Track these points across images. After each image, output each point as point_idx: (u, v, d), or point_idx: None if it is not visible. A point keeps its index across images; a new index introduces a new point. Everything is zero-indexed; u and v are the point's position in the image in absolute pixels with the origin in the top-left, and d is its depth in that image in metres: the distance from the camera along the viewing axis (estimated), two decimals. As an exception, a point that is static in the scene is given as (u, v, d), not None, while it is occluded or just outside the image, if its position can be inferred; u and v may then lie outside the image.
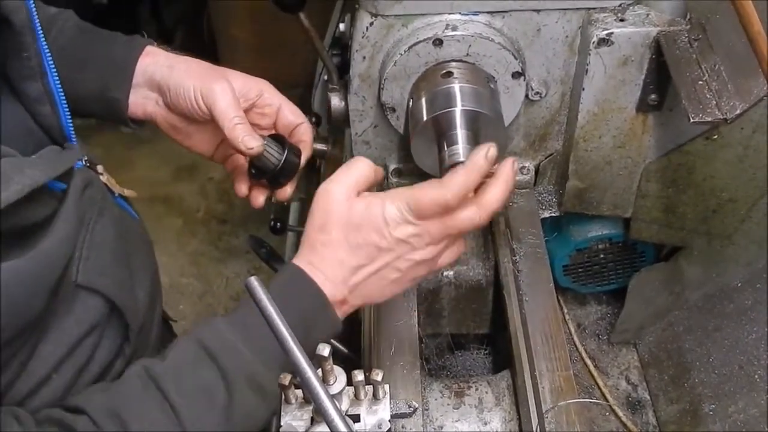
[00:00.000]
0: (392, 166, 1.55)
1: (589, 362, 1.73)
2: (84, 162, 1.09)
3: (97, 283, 1.05)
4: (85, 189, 1.05)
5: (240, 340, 1.00)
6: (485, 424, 1.33)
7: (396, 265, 1.08)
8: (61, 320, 1.01)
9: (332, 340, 1.59)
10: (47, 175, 0.92)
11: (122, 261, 1.12)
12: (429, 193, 1.05)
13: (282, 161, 1.25)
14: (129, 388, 0.97)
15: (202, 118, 1.21)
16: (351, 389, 1.07)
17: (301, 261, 1.07)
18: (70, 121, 1.06)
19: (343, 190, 1.07)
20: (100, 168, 1.15)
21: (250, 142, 1.19)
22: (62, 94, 1.03)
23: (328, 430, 0.83)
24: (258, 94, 1.28)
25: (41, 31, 0.98)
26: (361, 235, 1.06)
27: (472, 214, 1.07)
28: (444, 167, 1.27)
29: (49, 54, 1.00)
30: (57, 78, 1.02)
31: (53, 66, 1.01)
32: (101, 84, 1.22)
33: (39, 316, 0.94)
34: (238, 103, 1.21)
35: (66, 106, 1.04)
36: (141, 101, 1.25)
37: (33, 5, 0.96)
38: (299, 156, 1.29)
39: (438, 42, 1.30)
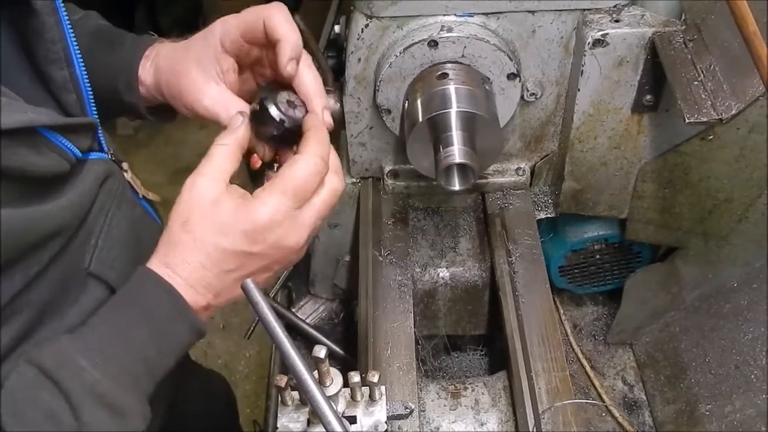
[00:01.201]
0: (388, 168, 1.55)
1: (585, 363, 1.73)
2: (110, 156, 1.09)
3: (106, 275, 1.04)
4: (107, 179, 1.05)
5: (83, 357, 0.90)
6: (482, 425, 1.33)
7: (270, 267, 1.03)
8: (66, 308, 1.00)
9: (328, 342, 1.60)
10: (51, 119, 0.90)
11: (133, 258, 1.10)
12: (300, 168, 1.01)
13: (276, 131, 1.10)
14: None
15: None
16: (347, 391, 1.07)
17: (155, 263, 0.99)
18: (95, 109, 1.06)
19: (212, 186, 1.00)
20: (125, 165, 1.15)
21: (234, 122, 1.07)
22: (88, 83, 1.03)
23: (324, 431, 0.83)
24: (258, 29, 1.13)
25: (66, 17, 0.97)
26: (228, 240, 0.98)
27: (336, 182, 1.05)
28: (440, 168, 1.27)
29: (75, 42, 0.99)
30: (83, 66, 1.01)
31: (79, 54, 1.00)
32: (113, 88, 1.20)
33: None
34: (222, 100, 1.12)
35: (91, 95, 1.04)
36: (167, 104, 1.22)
37: None
38: (292, 109, 1.11)
39: (433, 43, 1.30)
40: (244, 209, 0.99)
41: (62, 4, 0.97)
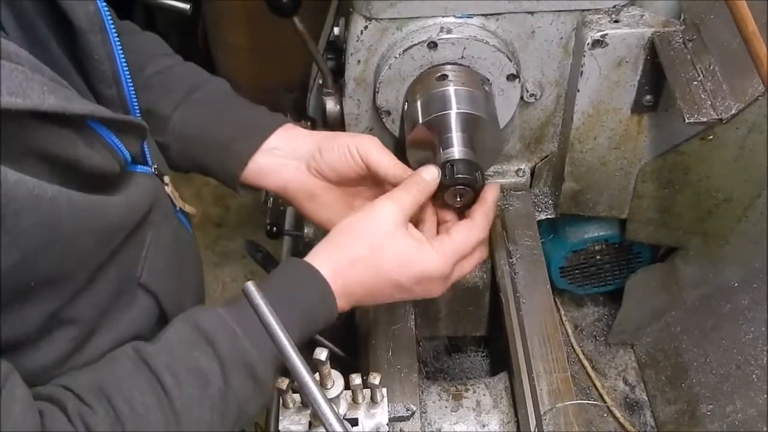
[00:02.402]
0: (388, 170, 1.55)
1: (586, 363, 1.73)
2: (153, 170, 1.11)
3: (154, 287, 1.06)
4: (157, 194, 1.08)
5: (238, 326, 0.98)
6: (483, 426, 1.33)
7: (404, 300, 1.18)
8: (120, 315, 1.02)
9: (329, 344, 1.60)
10: (107, 113, 0.93)
11: (175, 271, 1.13)
12: (472, 236, 1.16)
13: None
14: (117, 367, 0.94)
15: (352, 170, 1.21)
16: (349, 393, 1.07)
17: (321, 258, 1.09)
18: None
19: (398, 216, 1.12)
20: (166, 179, 1.16)
21: (429, 172, 1.19)
22: (135, 100, 1.04)
23: (326, 434, 0.83)
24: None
25: (116, 37, 0.98)
26: (403, 276, 1.10)
27: (483, 253, 1.22)
28: (440, 170, 1.26)
29: (124, 60, 1.00)
30: (131, 86, 1.03)
31: (128, 73, 1.01)
32: (231, 136, 1.24)
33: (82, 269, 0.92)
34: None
35: (138, 111, 1.06)
36: (276, 167, 1.24)
37: (104, 8, 0.96)
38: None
39: (432, 45, 1.30)
40: (421, 254, 1.11)
41: (111, 23, 0.97)
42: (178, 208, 1.20)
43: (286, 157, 1.24)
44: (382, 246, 1.10)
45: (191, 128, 1.23)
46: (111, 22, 0.97)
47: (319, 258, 1.09)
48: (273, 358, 0.99)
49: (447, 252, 1.13)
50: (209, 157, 1.25)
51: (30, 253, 0.81)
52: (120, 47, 0.99)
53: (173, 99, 1.25)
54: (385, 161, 1.20)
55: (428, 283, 1.13)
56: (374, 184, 1.25)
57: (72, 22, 0.92)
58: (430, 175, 1.18)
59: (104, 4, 0.97)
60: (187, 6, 1.39)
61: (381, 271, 1.10)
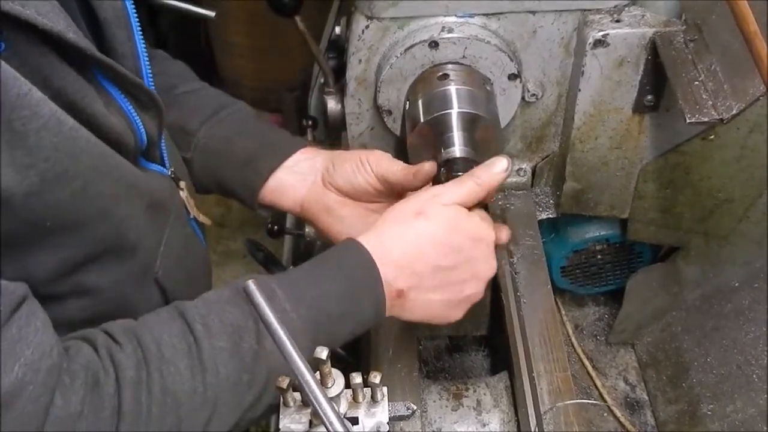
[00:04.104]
0: (389, 169, 1.55)
1: (587, 363, 1.73)
2: (170, 173, 1.11)
3: (166, 284, 1.07)
4: (172, 193, 1.09)
5: (279, 288, 0.97)
6: (484, 425, 1.33)
7: (463, 288, 1.10)
8: (137, 308, 1.02)
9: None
10: (126, 71, 0.94)
11: (185, 275, 1.14)
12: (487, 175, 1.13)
13: None
14: (154, 316, 0.95)
15: (365, 181, 1.22)
16: (349, 392, 1.07)
17: (372, 235, 1.05)
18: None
19: (453, 200, 1.09)
20: (182, 184, 1.17)
21: (425, 166, 1.19)
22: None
23: (326, 432, 0.83)
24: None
25: (140, 33, 0.99)
26: (459, 238, 1.07)
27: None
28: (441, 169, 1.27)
29: (148, 59, 1.01)
30: (152, 83, 1.03)
31: (150, 72, 1.02)
32: (254, 152, 1.26)
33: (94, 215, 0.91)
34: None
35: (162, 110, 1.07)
36: (295, 183, 1.26)
37: (131, 7, 0.97)
38: None
39: (434, 44, 1.30)
40: (472, 218, 1.09)
41: (136, 18, 0.98)
42: (191, 216, 1.20)
43: (304, 173, 1.26)
44: (433, 214, 1.07)
45: (215, 143, 1.26)
46: (137, 21, 0.98)
47: (370, 235, 1.07)
48: (312, 328, 0.98)
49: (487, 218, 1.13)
50: (231, 172, 1.26)
51: (48, 181, 0.81)
52: (144, 46, 1.00)
53: (200, 117, 1.27)
54: (394, 167, 1.20)
55: (488, 247, 1.10)
56: (393, 201, 1.24)
57: (97, 13, 0.93)
58: (429, 166, 1.18)
59: (131, 3, 0.98)
60: (212, 14, 1.40)
61: (425, 234, 1.06)
